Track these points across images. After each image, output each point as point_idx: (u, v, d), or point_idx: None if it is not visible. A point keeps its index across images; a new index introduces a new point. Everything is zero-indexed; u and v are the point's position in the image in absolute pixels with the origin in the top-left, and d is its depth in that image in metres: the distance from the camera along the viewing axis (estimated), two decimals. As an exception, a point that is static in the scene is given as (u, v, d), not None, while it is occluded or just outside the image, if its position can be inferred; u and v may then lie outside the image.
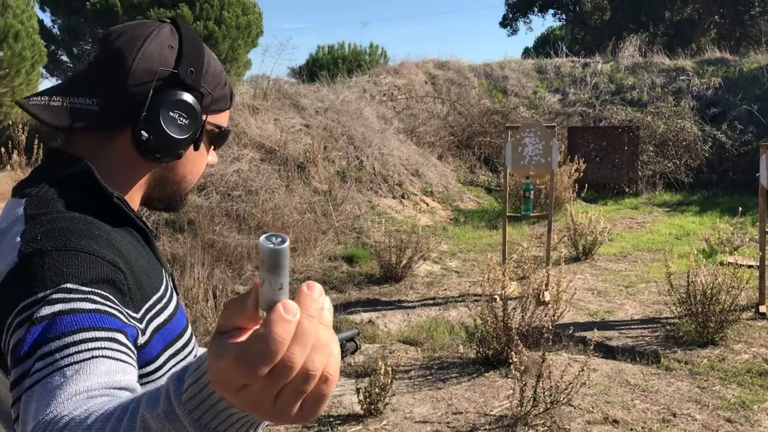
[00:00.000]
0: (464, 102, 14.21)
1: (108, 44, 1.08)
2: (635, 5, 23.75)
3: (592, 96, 15.28)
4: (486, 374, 4.56)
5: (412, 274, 6.98)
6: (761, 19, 23.31)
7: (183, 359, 1.09)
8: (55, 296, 0.88)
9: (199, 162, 1.18)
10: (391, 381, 3.92)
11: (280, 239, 0.58)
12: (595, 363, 4.48)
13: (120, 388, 0.80)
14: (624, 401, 4.13)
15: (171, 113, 1.07)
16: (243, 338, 0.57)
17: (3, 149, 7.18)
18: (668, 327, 5.45)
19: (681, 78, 15.34)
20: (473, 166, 12.79)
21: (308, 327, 0.56)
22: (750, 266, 6.34)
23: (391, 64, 16.82)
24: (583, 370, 3.84)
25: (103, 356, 0.84)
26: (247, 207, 7.75)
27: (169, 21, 1.14)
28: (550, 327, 4.13)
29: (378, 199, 9.43)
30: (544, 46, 23.22)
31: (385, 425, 3.84)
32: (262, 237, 0.59)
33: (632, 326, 5.61)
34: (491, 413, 3.97)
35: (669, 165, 12.73)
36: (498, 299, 4.54)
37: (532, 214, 7.14)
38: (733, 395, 4.22)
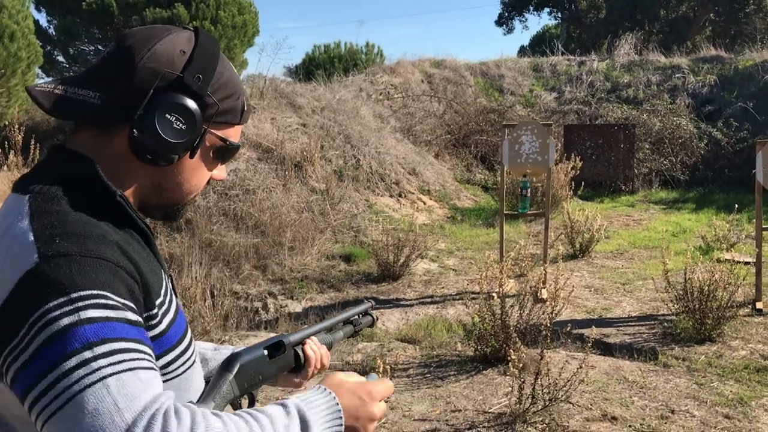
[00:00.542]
0: (461, 100, 14.21)
1: (122, 42, 1.09)
2: (631, 3, 23.78)
3: (588, 94, 15.29)
4: (484, 372, 4.57)
5: (410, 273, 6.99)
6: (756, 17, 23.35)
7: (183, 364, 1.08)
8: (90, 301, 0.89)
9: (197, 172, 1.15)
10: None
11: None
12: (593, 360, 4.50)
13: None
14: (622, 398, 4.14)
15: (168, 115, 1.05)
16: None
17: (0, 150, 7.17)
18: (665, 324, 5.47)
19: (676, 76, 15.37)
20: (470, 165, 12.79)
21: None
22: (746, 263, 6.36)
23: (387, 63, 16.82)
24: (581, 368, 3.84)
25: (139, 368, 0.89)
26: (245, 206, 7.75)
27: (192, 29, 1.13)
28: (548, 324, 4.14)
29: (375, 197, 9.44)
30: (540, 44, 23.22)
31: (384, 423, 3.85)
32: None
33: (630, 323, 5.62)
34: (490, 411, 3.98)
35: (665, 162, 12.75)
36: (496, 297, 4.55)
37: (529, 212, 7.15)
38: (730, 391, 4.23)
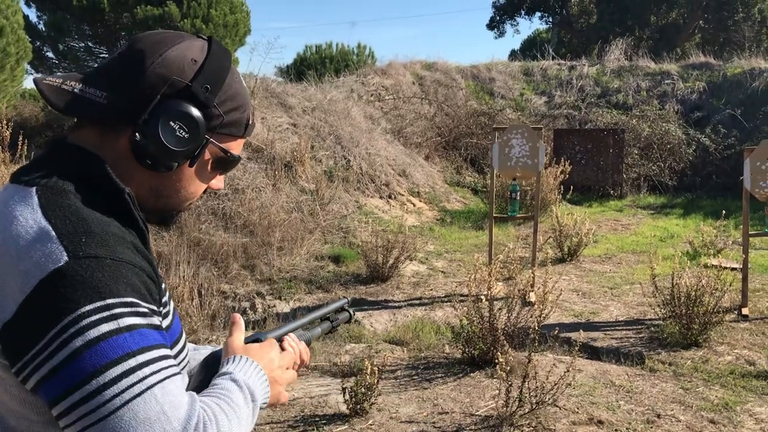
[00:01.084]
0: (451, 103, 14.23)
1: (134, 44, 1.09)
2: (622, 9, 23.90)
3: (578, 99, 15.36)
4: (472, 374, 4.58)
5: (399, 274, 6.99)
6: (745, 25, 23.53)
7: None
8: (127, 309, 0.91)
9: (195, 181, 1.15)
10: (377, 381, 3.92)
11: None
12: (580, 364, 4.50)
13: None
14: (609, 402, 4.15)
15: (171, 123, 1.06)
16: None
17: (-14, 145, 7.10)
18: (652, 328, 5.49)
19: (666, 82, 15.47)
20: (460, 167, 12.81)
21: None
22: (733, 269, 6.41)
23: (378, 65, 16.81)
24: (568, 371, 3.85)
25: (174, 374, 0.93)
26: (234, 206, 7.72)
27: (206, 38, 1.13)
28: (536, 327, 4.15)
29: (365, 199, 9.43)
30: (530, 48, 23.30)
31: (371, 425, 3.84)
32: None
33: (617, 327, 5.64)
34: (477, 413, 3.98)
35: (653, 168, 12.83)
36: (484, 299, 4.55)
37: (518, 215, 7.17)
38: (716, 396, 4.25)
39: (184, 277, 6.11)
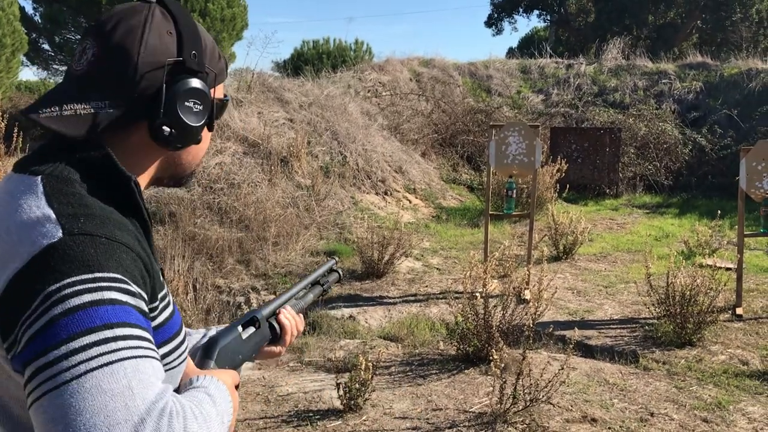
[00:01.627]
0: (448, 100, 14.23)
1: (105, 39, 1.05)
2: (619, 8, 23.92)
3: (575, 97, 15.38)
4: (466, 371, 4.58)
5: (394, 271, 6.98)
6: (742, 25, 23.58)
7: (176, 359, 1.08)
8: (113, 284, 0.89)
9: (207, 138, 1.18)
10: (372, 376, 3.92)
11: None
12: (574, 362, 4.51)
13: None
14: (602, 400, 4.16)
15: (186, 103, 1.07)
16: None
17: (-19, 137, 7.06)
18: (647, 327, 5.50)
19: (663, 81, 15.49)
20: (456, 165, 12.81)
21: None
22: (728, 269, 6.42)
23: (376, 61, 16.81)
24: (562, 369, 3.85)
25: (152, 357, 0.90)
26: (229, 200, 7.70)
27: (155, 1, 1.10)
28: (531, 325, 4.15)
29: (361, 195, 9.42)
30: (528, 46, 23.30)
31: (364, 420, 3.84)
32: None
33: (611, 326, 5.65)
34: (471, 410, 3.98)
35: (649, 167, 12.85)
36: (479, 297, 4.55)
37: (514, 213, 7.17)
38: (709, 395, 4.26)
39: (179, 271, 6.10)
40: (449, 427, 3.77)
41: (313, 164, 9.26)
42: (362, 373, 3.85)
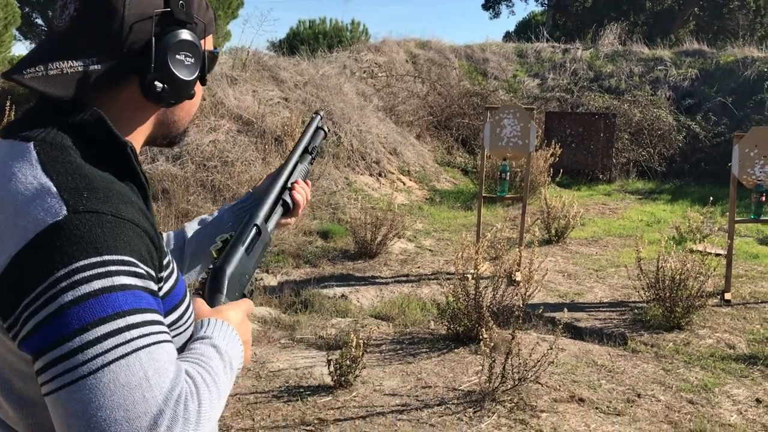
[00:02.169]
0: (444, 83, 14.19)
1: None
2: (617, -7, 23.85)
3: (571, 82, 15.36)
4: (456, 350, 4.61)
5: (387, 251, 7.01)
6: (739, 13, 23.55)
7: (185, 322, 1.04)
8: (123, 267, 0.87)
9: (199, 92, 1.14)
10: (362, 354, 3.95)
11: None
12: (563, 343, 4.55)
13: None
14: (590, 381, 4.20)
15: (177, 56, 1.03)
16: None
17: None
18: (636, 311, 5.55)
19: (659, 68, 15.48)
20: (450, 147, 12.81)
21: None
22: (718, 254, 6.47)
23: (372, 42, 16.72)
24: (551, 349, 3.89)
25: (164, 341, 0.88)
26: (223, 178, 7.70)
27: None
28: (521, 306, 4.19)
29: (355, 176, 9.42)
30: (525, 30, 23.20)
31: (354, 397, 3.88)
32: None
33: (601, 309, 5.70)
34: (460, 388, 4.02)
35: (643, 153, 12.87)
36: (470, 278, 4.58)
37: (507, 196, 7.20)
38: (696, 378, 4.32)
39: (171, 247, 6.10)
40: (438, 405, 3.81)
41: (307, 144, 9.22)
42: (353, 350, 3.88)
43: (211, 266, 1.19)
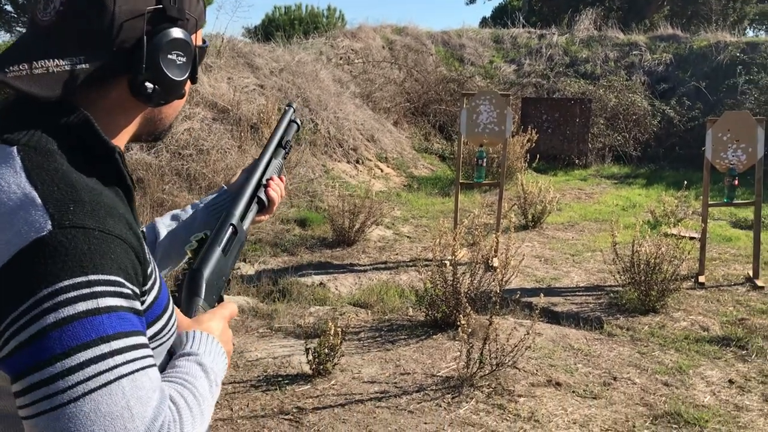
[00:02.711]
0: (421, 69, 14.16)
1: None
2: (593, -21, 23.86)
3: (547, 67, 15.41)
4: (434, 336, 4.63)
5: (365, 239, 7.00)
6: (713, -2, 23.70)
7: (168, 331, 1.01)
8: (109, 288, 0.83)
9: (187, 89, 1.10)
10: (341, 342, 3.95)
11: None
12: (540, 327, 4.59)
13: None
14: (567, 365, 4.24)
15: (169, 56, 0.99)
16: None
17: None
18: (612, 295, 5.61)
19: (634, 53, 15.58)
20: (428, 134, 12.80)
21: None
22: (692, 238, 6.55)
23: (348, 28, 16.61)
24: (528, 334, 3.92)
25: (148, 366, 0.85)
26: (198, 166, 7.63)
27: None
28: (498, 292, 4.21)
29: (332, 163, 9.39)
30: (501, 16, 23.20)
31: (333, 385, 3.88)
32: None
33: (577, 293, 5.75)
34: (438, 374, 4.04)
35: (618, 138, 12.97)
36: (448, 264, 4.59)
37: (484, 182, 7.22)
38: (671, 360, 4.37)
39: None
40: (417, 391, 3.82)
41: (283, 131, 9.17)
42: (331, 338, 3.88)
43: (187, 268, 1.17)
